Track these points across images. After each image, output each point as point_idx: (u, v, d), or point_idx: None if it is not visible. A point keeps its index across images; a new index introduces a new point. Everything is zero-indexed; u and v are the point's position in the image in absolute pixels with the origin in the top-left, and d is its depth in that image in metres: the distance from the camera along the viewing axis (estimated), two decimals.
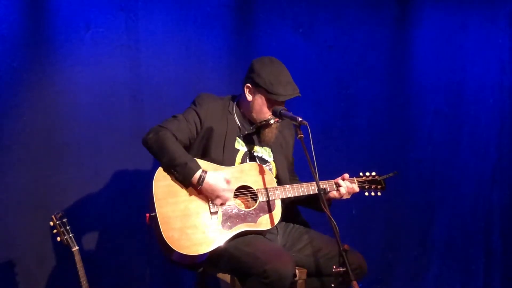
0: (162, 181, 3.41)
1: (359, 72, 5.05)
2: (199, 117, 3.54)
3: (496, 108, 5.37)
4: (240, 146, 3.61)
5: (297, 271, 3.47)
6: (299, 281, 3.50)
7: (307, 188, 3.56)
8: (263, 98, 3.54)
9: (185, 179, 3.40)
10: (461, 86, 5.31)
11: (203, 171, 3.40)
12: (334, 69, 4.98)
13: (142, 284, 4.48)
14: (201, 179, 3.39)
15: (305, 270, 3.53)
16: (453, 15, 5.25)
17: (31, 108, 4.18)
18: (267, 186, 3.54)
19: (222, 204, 3.45)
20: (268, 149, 3.68)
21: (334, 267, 3.17)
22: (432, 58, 5.22)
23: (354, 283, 3.10)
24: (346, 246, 3.15)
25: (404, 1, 5.11)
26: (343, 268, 3.14)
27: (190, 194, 3.44)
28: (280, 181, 3.64)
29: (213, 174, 3.43)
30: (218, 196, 3.42)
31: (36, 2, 4.15)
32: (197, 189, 3.42)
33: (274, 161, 3.68)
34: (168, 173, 3.43)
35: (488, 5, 5.29)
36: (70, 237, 3.59)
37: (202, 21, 4.56)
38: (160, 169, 3.44)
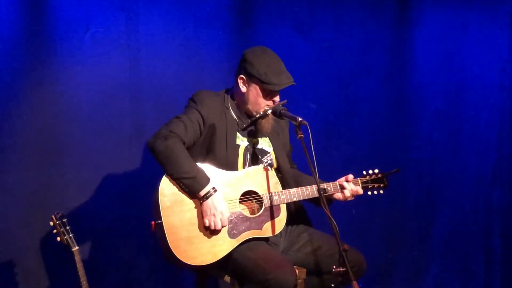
0: (167, 190, 3.38)
1: (359, 72, 5.05)
2: (201, 116, 3.51)
3: (496, 108, 5.37)
4: (241, 141, 3.59)
5: (296, 271, 3.46)
6: (299, 281, 3.49)
7: (312, 191, 3.52)
8: (258, 88, 3.52)
9: (192, 191, 3.37)
10: (461, 86, 5.31)
11: (213, 188, 3.37)
12: (334, 69, 4.97)
13: (142, 284, 4.48)
14: (208, 195, 3.36)
15: (305, 270, 3.52)
16: (453, 15, 5.24)
17: (31, 108, 4.18)
18: (272, 191, 3.51)
19: (208, 228, 3.37)
20: (267, 139, 3.67)
21: (334, 267, 3.17)
22: (432, 58, 5.22)
23: (354, 283, 3.10)
24: (345, 246, 3.15)
25: (404, 1, 5.11)
26: (343, 268, 3.13)
27: (196, 203, 3.41)
28: (281, 171, 3.62)
29: (220, 196, 3.38)
30: (213, 215, 3.35)
31: (36, 2, 4.15)
32: (199, 202, 3.40)
33: (273, 150, 3.66)
34: (174, 182, 3.40)
35: (488, 5, 5.29)
36: (70, 237, 3.59)
37: (202, 21, 4.55)
38: (164, 178, 3.39)
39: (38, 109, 4.20)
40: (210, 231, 3.39)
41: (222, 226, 3.37)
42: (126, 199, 4.37)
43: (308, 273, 3.53)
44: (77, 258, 3.60)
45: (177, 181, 3.37)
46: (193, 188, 3.35)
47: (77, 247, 3.60)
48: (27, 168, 4.17)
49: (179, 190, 3.39)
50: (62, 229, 3.58)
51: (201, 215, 3.39)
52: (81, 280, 3.61)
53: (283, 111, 3.50)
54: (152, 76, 4.45)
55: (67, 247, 3.59)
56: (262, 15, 4.74)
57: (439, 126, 5.27)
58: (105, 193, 4.34)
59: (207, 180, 3.38)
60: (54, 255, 4.20)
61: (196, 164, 3.41)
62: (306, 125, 3.34)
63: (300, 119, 3.38)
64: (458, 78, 5.30)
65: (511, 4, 5.32)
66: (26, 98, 4.17)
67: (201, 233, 3.38)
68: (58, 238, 3.60)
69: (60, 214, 3.60)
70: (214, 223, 3.36)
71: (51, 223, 3.59)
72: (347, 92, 5.03)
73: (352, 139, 5.05)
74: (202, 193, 3.36)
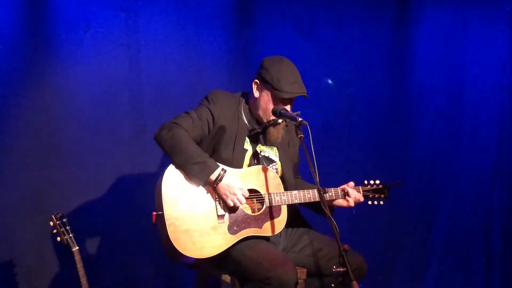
0: (171, 181, 3.39)
1: (359, 72, 5.05)
2: (212, 115, 3.51)
3: (496, 108, 5.37)
4: (248, 146, 3.59)
5: (297, 270, 3.46)
6: (299, 281, 3.49)
7: (314, 195, 3.54)
8: (269, 94, 3.51)
9: (201, 177, 3.38)
10: (461, 86, 5.31)
11: (222, 169, 3.39)
12: (334, 69, 4.98)
13: (142, 284, 4.48)
14: (219, 177, 3.37)
15: (305, 270, 3.52)
16: (453, 15, 5.24)
17: (31, 108, 4.18)
18: (274, 191, 3.52)
19: (234, 207, 3.41)
20: (275, 148, 3.66)
21: (334, 267, 3.16)
22: (432, 58, 5.22)
23: (354, 283, 3.09)
24: (346, 246, 3.15)
25: (404, 1, 5.11)
26: (343, 268, 3.13)
27: (199, 196, 3.42)
28: (284, 181, 3.62)
29: (231, 174, 3.41)
30: (234, 194, 3.38)
31: (36, 2, 4.15)
32: (213, 186, 3.40)
33: (280, 160, 3.67)
34: (181, 171, 3.40)
35: (488, 5, 5.29)
36: (70, 237, 3.59)
37: (202, 21, 4.56)
38: (169, 169, 3.40)
39: (38, 109, 4.20)
40: (210, 226, 3.39)
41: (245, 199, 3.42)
42: (126, 199, 4.37)
43: (308, 275, 3.53)
44: (77, 258, 3.60)
45: (187, 168, 3.37)
46: (203, 173, 3.36)
47: (77, 247, 3.60)
48: (27, 168, 4.17)
49: (182, 181, 3.40)
50: (62, 229, 3.58)
51: (202, 209, 3.39)
52: (81, 280, 3.61)
53: (283, 111, 3.49)
54: (152, 76, 4.45)
55: (67, 247, 3.59)
56: (262, 15, 4.74)
57: (439, 126, 5.27)
58: (105, 193, 4.34)
59: (216, 164, 3.39)
60: (54, 255, 4.20)
61: (203, 151, 3.42)
62: (306, 125, 3.34)
63: (300, 119, 3.38)
64: (458, 78, 5.30)
65: (511, 4, 5.32)
66: (26, 98, 4.17)
67: (202, 226, 3.39)
68: (58, 238, 3.60)
69: (60, 214, 3.61)
70: (237, 200, 3.39)
71: (51, 223, 3.59)
72: (347, 92, 5.03)
73: (352, 139, 5.05)
74: (213, 176, 3.37)
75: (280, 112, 3.49)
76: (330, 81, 4.78)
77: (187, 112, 3.51)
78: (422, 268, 5.31)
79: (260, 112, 3.56)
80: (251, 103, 3.61)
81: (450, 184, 5.32)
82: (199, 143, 3.51)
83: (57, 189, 4.24)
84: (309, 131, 3.31)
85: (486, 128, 5.36)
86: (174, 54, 4.50)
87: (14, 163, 4.14)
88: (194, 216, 3.39)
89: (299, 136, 3.35)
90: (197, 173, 3.37)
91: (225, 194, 3.40)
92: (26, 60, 4.15)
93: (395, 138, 5.16)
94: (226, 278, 3.54)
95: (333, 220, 3.17)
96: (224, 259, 3.42)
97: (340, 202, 3.63)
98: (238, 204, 3.41)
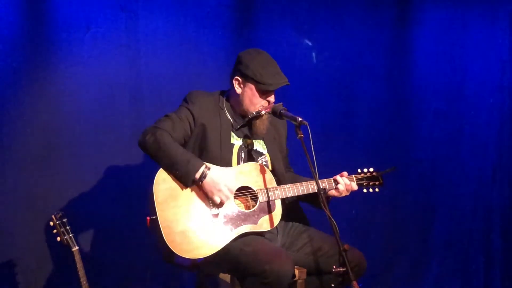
0: (162, 184, 3.40)
1: (359, 72, 5.05)
2: (192, 115, 3.53)
3: (496, 108, 5.37)
4: (235, 140, 3.60)
5: (296, 271, 3.47)
6: (299, 281, 3.50)
7: (307, 187, 3.54)
8: (253, 89, 3.53)
9: (188, 177, 3.38)
10: (461, 86, 5.32)
11: (206, 167, 3.39)
12: (334, 69, 4.98)
13: (142, 284, 4.48)
14: (203, 174, 3.37)
15: (305, 270, 3.52)
16: (453, 15, 5.25)
17: (32, 108, 4.18)
18: (267, 186, 3.53)
19: (221, 204, 3.42)
20: (261, 142, 3.67)
21: (334, 267, 3.17)
22: (432, 58, 5.23)
23: (354, 283, 3.10)
24: (346, 246, 3.15)
25: (404, 1, 5.12)
26: (343, 268, 3.14)
27: (191, 197, 3.42)
28: (276, 174, 3.62)
29: (216, 171, 3.41)
30: (219, 190, 3.38)
31: (36, 2, 4.15)
32: (198, 185, 3.40)
33: (268, 153, 3.67)
34: (169, 174, 3.41)
35: (488, 5, 5.30)
36: (70, 237, 3.59)
37: (202, 21, 4.56)
38: (160, 172, 3.41)
39: (38, 109, 4.20)
40: (205, 226, 3.39)
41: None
42: (126, 199, 4.37)
43: (308, 274, 3.53)
44: (77, 258, 3.60)
45: (172, 169, 3.38)
46: (188, 173, 3.36)
47: (77, 247, 3.60)
48: (27, 168, 4.17)
49: (173, 184, 3.40)
50: (62, 229, 3.59)
51: (196, 209, 3.40)
52: (81, 280, 3.61)
53: (283, 111, 3.50)
54: (152, 76, 4.45)
55: (67, 247, 3.59)
56: (262, 15, 4.74)
57: (439, 126, 5.27)
58: (105, 193, 4.34)
59: (199, 162, 3.39)
60: (54, 255, 4.20)
61: (187, 151, 3.43)
62: (306, 125, 3.34)
63: (300, 119, 3.38)
64: (458, 78, 5.31)
65: (511, 4, 5.32)
66: (26, 98, 4.17)
67: (197, 227, 3.39)
68: (58, 238, 3.60)
69: (60, 214, 3.61)
70: (223, 196, 3.39)
71: (51, 223, 3.60)
72: (347, 92, 5.03)
73: (352, 139, 5.05)
74: (198, 174, 3.37)
75: (280, 112, 3.50)
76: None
77: (166, 115, 3.53)
78: (422, 268, 5.31)
79: (245, 107, 3.57)
80: (233, 100, 3.61)
81: (450, 184, 5.32)
82: (183, 144, 3.52)
83: (57, 189, 4.24)
84: (309, 131, 3.31)
85: (486, 128, 5.37)
86: (174, 54, 4.51)
87: (14, 163, 4.14)
88: (188, 217, 3.39)
89: (299, 136, 3.36)
90: (183, 173, 3.37)
91: (211, 191, 3.40)
92: (26, 60, 4.15)
93: (395, 138, 5.16)
94: (226, 277, 3.54)
95: (333, 220, 3.18)
96: (221, 258, 3.42)
97: (332, 192, 3.61)
98: (224, 199, 3.40)
